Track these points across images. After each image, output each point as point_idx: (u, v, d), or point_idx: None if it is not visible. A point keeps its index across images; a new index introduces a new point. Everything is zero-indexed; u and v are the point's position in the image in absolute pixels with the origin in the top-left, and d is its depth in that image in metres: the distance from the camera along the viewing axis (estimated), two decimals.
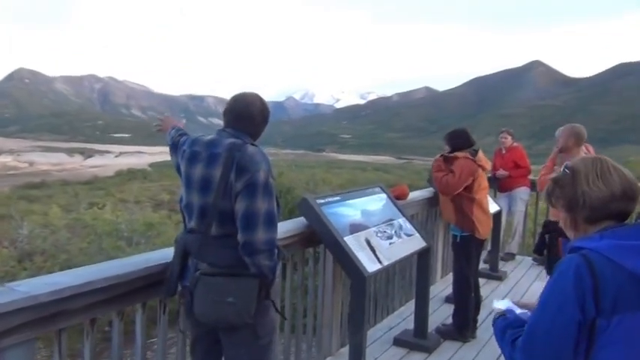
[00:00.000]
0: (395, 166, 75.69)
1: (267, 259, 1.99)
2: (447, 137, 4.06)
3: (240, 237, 1.99)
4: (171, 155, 2.52)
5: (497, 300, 1.57)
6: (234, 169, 2.00)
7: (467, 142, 3.98)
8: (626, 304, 1.19)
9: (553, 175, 1.47)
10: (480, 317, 4.05)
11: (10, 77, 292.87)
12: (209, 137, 2.20)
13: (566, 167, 1.42)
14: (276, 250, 2.05)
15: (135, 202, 17.33)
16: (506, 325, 1.42)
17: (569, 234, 1.41)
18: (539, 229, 6.58)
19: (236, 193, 2.00)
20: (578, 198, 1.33)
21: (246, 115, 2.19)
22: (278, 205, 2.09)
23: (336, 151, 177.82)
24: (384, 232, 3.42)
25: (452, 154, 3.93)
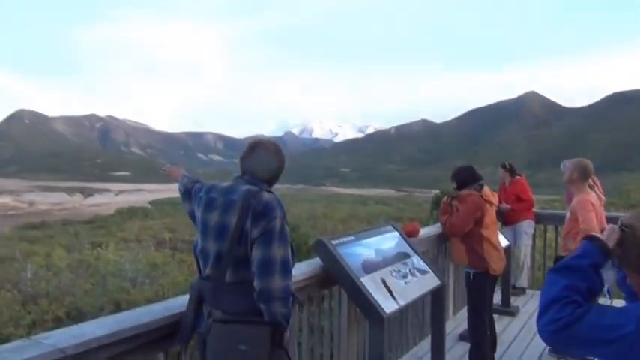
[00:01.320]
0: (395, 199, 75.65)
1: (282, 306, 1.99)
2: (452, 174, 4.10)
3: (256, 284, 1.99)
4: (183, 202, 2.55)
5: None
6: (250, 216, 2.02)
7: (472, 178, 4.01)
8: None
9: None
10: (497, 355, 4.00)
11: (11, 118, 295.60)
12: (225, 184, 2.23)
13: (623, 226, 1.37)
14: (291, 298, 2.05)
15: (137, 240, 17.24)
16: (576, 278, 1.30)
17: None
18: (548, 263, 6.57)
19: (252, 240, 2.01)
20: None
21: (262, 162, 2.22)
22: (292, 251, 2.11)
23: (336, 185, 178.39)
24: (399, 270, 3.40)
25: (458, 193, 3.96)
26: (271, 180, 2.26)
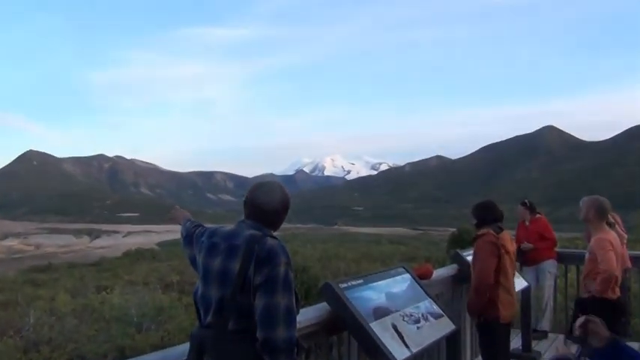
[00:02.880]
0: (411, 238, 75.10)
1: (287, 358, 1.96)
2: (472, 209, 4.06)
3: (259, 334, 1.96)
4: (184, 247, 2.55)
5: None
6: (253, 262, 2.02)
7: (492, 215, 3.97)
8: None
9: None
10: None
11: (20, 160, 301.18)
12: (228, 228, 2.23)
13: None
14: (295, 349, 2.02)
15: (143, 283, 17.18)
16: None
17: None
18: (570, 305, 6.42)
19: (255, 287, 2.00)
20: None
21: (267, 205, 2.22)
22: (297, 299, 2.09)
23: (348, 223, 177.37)
24: (411, 315, 3.35)
25: (476, 234, 3.92)
26: (275, 223, 2.26)
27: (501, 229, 3.93)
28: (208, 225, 2.51)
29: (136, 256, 40.80)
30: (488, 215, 3.97)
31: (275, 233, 2.27)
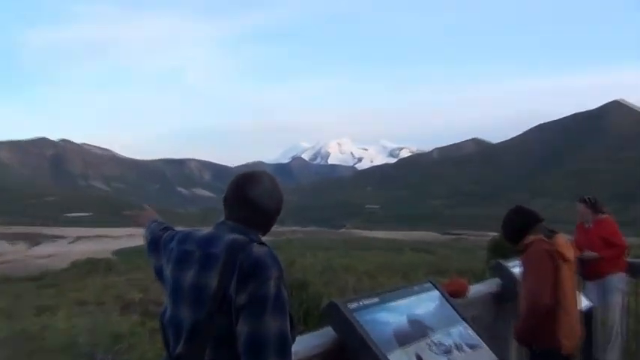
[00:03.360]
0: (440, 244, 75.15)
1: None
2: (504, 226, 4.08)
3: None
4: (149, 255, 2.55)
5: None
6: (235, 276, 1.99)
7: (532, 217, 3.98)
8: None
9: None
10: None
11: None
12: (204, 232, 2.21)
13: None
14: None
15: (96, 303, 17.26)
16: None
17: None
18: None
19: (238, 308, 1.97)
20: None
21: (252, 201, 2.21)
22: (293, 322, 2.06)
23: (360, 226, 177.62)
24: (440, 343, 3.34)
25: (524, 243, 3.91)
26: (265, 225, 2.26)
27: (553, 232, 3.92)
28: (179, 228, 2.50)
29: (86, 267, 40.89)
30: (527, 218, 3.98)
31: (264, 238, 2.25)
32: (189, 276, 2.10)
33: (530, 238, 3.91)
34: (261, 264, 2.00)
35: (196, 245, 2.15)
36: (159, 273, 2.36)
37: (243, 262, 2.00)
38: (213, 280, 2.02)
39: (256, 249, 2.04)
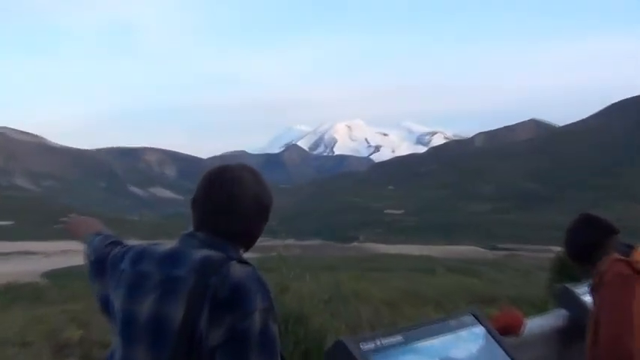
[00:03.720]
0: (486, 263, 75.09)
1: None
2: (567, 242, 4.10)
3: None
4: (92, 279, 2.52)
5: None
6: (207, 305, 1.98)
7: (605, 228, 3.99)
8: None
9: None
10: None
11: None
12: (166, 248, 2.20)
13: None
14: None
15: (20, 343, 17.31)
16: None
17: None
18: None
19: (212, 348, 1.97)
20: None
21: (231, 205, 2.18)
22: None
23: (377, 238, 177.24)
24: None
25: (598, 270, 3.92)
26: (247, 237, 2.24)
27: (631, 247, 3.92)
28: (132, 242, 2.48)
29: (7, 295, 41.01)
30: (599, 230, 3.98)
31: (247, 255, 2.25)
32: (146, 307, 2.08)
33: (603, 257, 3.91)
34: (243, 290, 1.99)
35: (156, 265, 2.13)
36: (105, 303, 2.33)
37: (218, 287, 1.98)
38: (178, 312, 2.01)
39: (236, 269, 2.02)
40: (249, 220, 2.20)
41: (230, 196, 2.17)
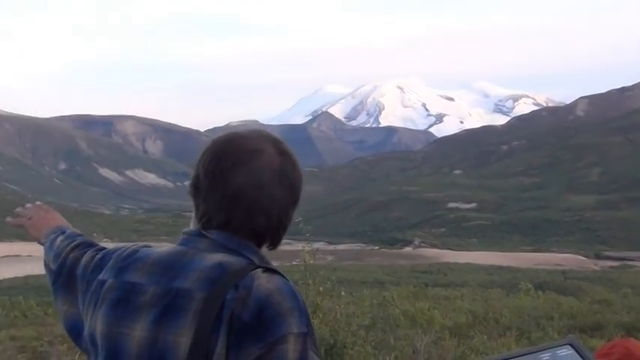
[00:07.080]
0: (590, 277, 74.98)
1: None
2: None
3: None
4: (55, 294, 2.44)
5: None
6: (224, 331, 1.89)
7: None
8: None
9: None
10: None
11: None
12: (162, 251, 2.12)
13: None
14: None
15: None
16: None
17: None
18: None
19: None
20: None
21: (249, 188, 2.04)
22: None
23: (437, 242, 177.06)
24: None
25: None
26: (274, 231, 2.12)
27: None
28: (107, 244, 2.43)
29: None
30: None
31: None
32: (138, 331, 1.98)
33: None
34: (272, 309, 1.88)
35: (149, 275, 2.03)
36: (75, 327, 2.27)
37: (238, 305, 1.88)
38: (183, 339, 1.91)
39: (262, 281, 1.92)
40: (276, 208, 2.05)
41: (248, 176, 2.01)
